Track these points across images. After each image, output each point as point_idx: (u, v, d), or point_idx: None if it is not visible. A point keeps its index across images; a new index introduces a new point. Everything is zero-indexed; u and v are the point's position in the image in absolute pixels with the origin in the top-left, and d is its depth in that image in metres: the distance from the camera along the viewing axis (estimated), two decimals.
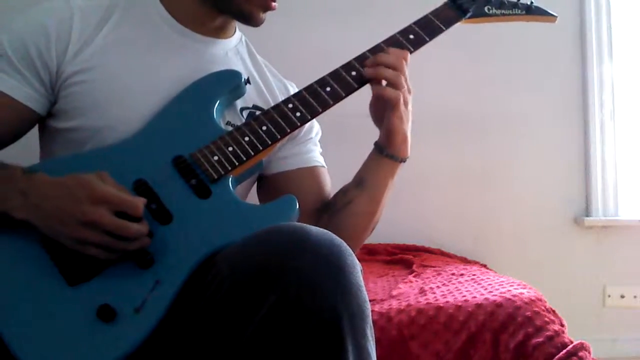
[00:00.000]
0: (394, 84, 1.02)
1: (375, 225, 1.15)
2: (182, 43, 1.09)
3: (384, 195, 1.11)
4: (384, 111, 1.05)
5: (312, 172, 1.18)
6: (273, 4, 1.07)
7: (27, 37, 1.01)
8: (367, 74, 1.04)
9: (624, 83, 2.50)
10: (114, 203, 0.87)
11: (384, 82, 1.04)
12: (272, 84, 1.18)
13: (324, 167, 1.21)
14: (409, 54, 1.05)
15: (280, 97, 1.16)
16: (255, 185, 1.21)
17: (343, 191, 1.14)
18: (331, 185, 1.20)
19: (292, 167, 1.17)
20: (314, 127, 1.21)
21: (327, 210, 1.13)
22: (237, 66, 1.14)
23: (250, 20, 1.08)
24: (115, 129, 1.01)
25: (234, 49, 1.16)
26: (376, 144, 1.11)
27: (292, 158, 1.17)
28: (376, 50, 1.06)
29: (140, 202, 0.89)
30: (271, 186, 1.18)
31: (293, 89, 1.21)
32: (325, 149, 1.24)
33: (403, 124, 1.05)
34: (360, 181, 1.12)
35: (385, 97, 1.03)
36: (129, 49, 1.05)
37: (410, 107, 1.06)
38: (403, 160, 1.10)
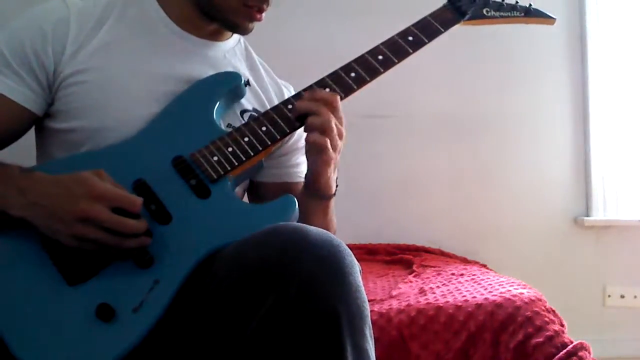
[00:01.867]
0: (321, 130, 0.98)
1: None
2: (180, 45, 1.09)
3: (320, 226, 1.05)
4: (310, 152, 1.01)
5: (294, 188, 1.17)
6: (258, 16, 1.07)
7: (24, 38, 1.01)
8: (298, 108, 1.00)
9: (624, 83, 2.50)
10: (112, 199, 0.87)
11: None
12: (268, 85, 1.19)
13: None
14: (338, 98, 1.00)
15: (275, 99, 1.16)
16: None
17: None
18: None
19: (275, 179, 1.17)
20: (302, 136, 1.20)
21: None
22: (235, 68, 1.14)
23: (238, 29, 1.09)
24: (113, 130, 1.01)
25: (231, 50, 1.16)
26: (305, 177, 1.08)
27: (277, 170, 1.17)
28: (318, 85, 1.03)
29: (138, 198, 0.89)
30: (256, 191, 1.19)
31: (288, 91, 1.21)
32: None
33: (329, 167, 1.02)
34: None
35: (310, 142, 0.99)
36: (126, 49, 1.05)
37: (339, 151, 1.02)
38: (330, 197, 1.08)
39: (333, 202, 1.10)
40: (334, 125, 0.99)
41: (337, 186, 1.09)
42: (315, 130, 0.99)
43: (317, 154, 1.00)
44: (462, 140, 2.46)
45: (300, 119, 1.01)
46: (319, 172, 1.03)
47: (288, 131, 1.02)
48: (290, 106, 1.03)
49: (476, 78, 2.46)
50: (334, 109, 1.00)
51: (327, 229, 1.06)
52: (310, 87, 1.05)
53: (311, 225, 1.00)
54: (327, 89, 1.04)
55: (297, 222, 1.02)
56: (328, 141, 0.98)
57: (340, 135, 1.01)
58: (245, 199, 1.16)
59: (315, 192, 1.06)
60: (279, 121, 1.02)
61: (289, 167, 1.19)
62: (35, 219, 0.89)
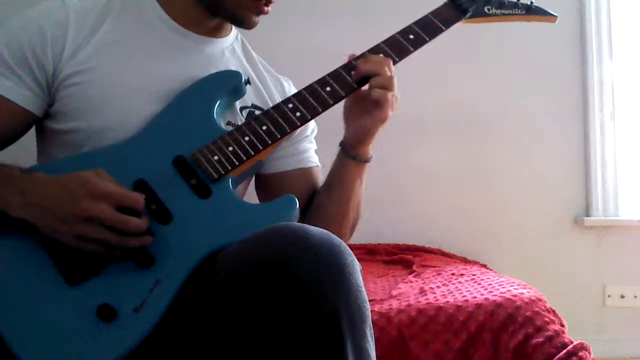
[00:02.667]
0: (386, 85, 1.03)
1: (354, 223, 1.17)
2: (179, 42, 1.09)
3: (352, 196, 1.13)
4: (366, 111, 1.06)
5: (307, 173, 1.19)
6: (266, 8, 1.07)
7: (23, 39, 1.01)
8: (362, 69, 1.04)
9: (624, 83, 2.50)
10: (114, 197, 0.87)
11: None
12: (268, 81, 1.19)
13: (318, 166, 1.22)
14: (390, 62, 1.06)
15: (276, 94, 1.17)
16: (254, 183, 1.21)
17: (317, 193, 1.16)
18: None
19: (288, 168, 1.18)
20: (310, 125, 1.21)
21: (304, 212, 1.13)
22: (234, 65, 1.14)
23: (243, 23, 1.09)
24: (114, 130, 1.01)
25: (230, 47, 1.16)
26: (342, 144, 1.12)
27: (288, 158, 1.18)
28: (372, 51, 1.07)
29: (140, 195, 0.89)
30: (267, 185, 1.19)
31: (288, 85, 1.21)
32: (325, 148, 1.24)
33: (382, 125, 1.08)
34: (328, 185, 1.14)
35: (375, 97, 1.03)
36: (125, 49, 1.05)
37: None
38: (367, 161, 1.12)
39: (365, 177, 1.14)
40: (395, 83, 1.04)
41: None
42: (379, 87, 1.03)
43: (379, 109, 1.05)
44: (462, 140, 2.46)
45: (360, 83, 1.05)
46: (371, 132, 1.08)
47: (288, 130, 1.02)
48: (290, 105, 1.03)
49: (476, 78, 2.46)
50: (391, 70, 1.05)
51: (361, 202, 1.16)
52: (310, 86, 1.05)
53: (352, 192, 1.11)
54: (329, 89, 1.04)
55: (336, 192, 1.12)
56: (391, 96, 1.03)
57: (397, 96, 1.06)
58: (246, 197, 1.16)
59: (357, 155, 1.11)
60: (280, 120, 1.02)
61: (299, 154, 1.19)
62: (36, 219, 0.88)
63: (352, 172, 1.12)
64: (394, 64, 1.07)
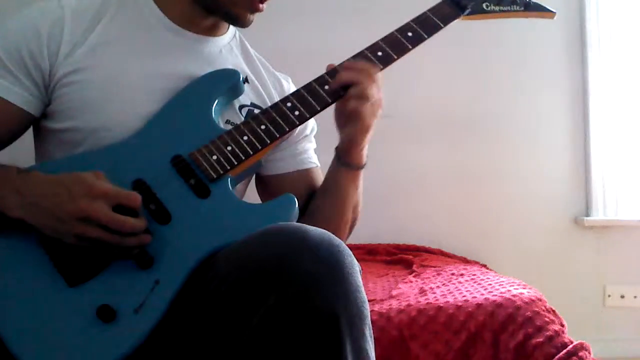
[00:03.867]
0: (362, 96, 1.01)
1: (352, 224, 1.16)
2: (176, 41, 1.09)
3: (347, 201, 1.12)
4: (349, 120, 1.05)
5: (306, 174, 1.19)
6: (260, 5, 1.06)
7: (19, 38, 1.00)
8: (341, 78, 1.02)
9: (624, 83, 2.50)
10: (111, 197, 0.87)
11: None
12: (266, 79, 1.18)
13: (317, 166, 1.21)
14: (377, 69, 1.04)
15: (274, 93, 1.16)
16: (254, 182, 1.21)
17: (314, 196, 1.16)
18: None
19: (287, 170, 1.17)
20: (309, 124, 1.21)
21: (302, 212, 1.13)
22: (232, 63, 1.13)
23: (238, 21, 1.08)
24: (111, 129, 1.01)
25: (227, 45, 1.16)
26: (336, 149, 1.11)
27: (288, 160, 1.17)
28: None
29: (137, 194, 0.89)
30: (267, 186, 1.19)
31: (287, 83, 1.21)
32: (325, 148, 1.24)
33: (367, 135, 1.06)
34: (323, 189, 1.13)
35: (351, 109, 1.02)
36: (122, 48, 1.05)
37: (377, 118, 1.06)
38: (360, 168, 1.11)
39: (362, 175, 1.13)
40: (374, 93, 1.02)
41: (367, 157, 1.12)
42: (354, 98, 1.01)
43: (356, 121, 1.03)
44: (462, 140, 2.46)
45: (337, 93, 1.03)
46: (356, 141, 1.07)
47: (287, 129, 1.02)
48: (289, 104, 1.03)
49: (476, 78, 2.46)
50: (372, 77, 1.02)
51: (358, 203, 1.15)
52: (308, 84, 1.04)
53: (347, 197, 1.10)
54: (327, 87, 1.03)
55: (330, 197, 1.11)
56: (368, 107, 1.01)
57: (380, 103, 1.04)
58: (246, 197, 1.16)
59: (349, 162, 1.09)
60: (278, 119, 1.02)
61: (298, 155, 1.19)
62: (35, 219, 0.88)
63: (345, 178, 1.11)
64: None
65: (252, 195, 1.19)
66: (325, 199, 1.13)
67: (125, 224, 0.87)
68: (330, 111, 1.07)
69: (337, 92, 1.03)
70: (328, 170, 1.14)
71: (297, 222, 1.07)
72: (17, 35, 1.01)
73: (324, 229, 0.87)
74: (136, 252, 0.89)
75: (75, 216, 0.86)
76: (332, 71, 1.05)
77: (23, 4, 1.04)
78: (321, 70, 1.06)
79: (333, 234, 0.86)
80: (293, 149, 1.18)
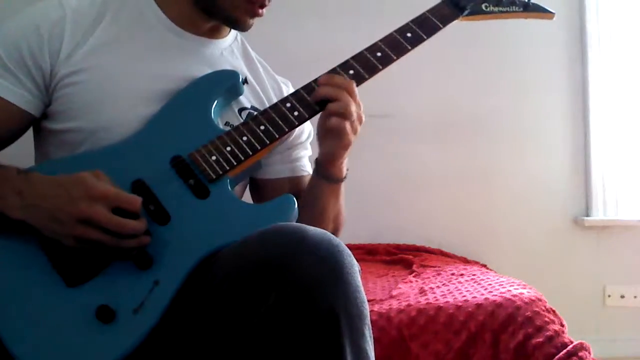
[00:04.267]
0: (342, 113, 1.00)
1: (334, 232, 1.12)
2: (177, 43, 1.09)
3: (327, 213, 1.10)
4: (328, 134, 1.03)
5: (297, 181, 1.18)
6: (260, 10, 1.06)
7: (19, 39, 1.00)
8: (320, 93, 1.02)
9: (624, 83, 2.50)
10: (111, 199, 0.87)
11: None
12: (266, 82, 1.18)
13: (309, 174, 1.19)
14: (354, 84, 1.02)
15: (274, 97, 1.16)
16: (248, 185, 1.20)
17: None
18: None
19: (280, 175, 1.17)
20: (305, 130, 1.20)
21: None
22: (232, 65, 1.13)
23: (238, 25, 1.09)
24: (111, 130, 1.01)
25: (228, 48, 1.16)
26: (316, 161, 1.10)
27: (281, 165, 1.17)
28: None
29: (137, 197, 0.89)
30: (259, 189, 1.18)
31: (287, 87, 1.21)
32: None
33: (346, 151, 1.05)
34: (303, 200, 1.09)
35: (331, 126, 1.01)
36: (123, 49, 1.05)
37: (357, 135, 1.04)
38: (340, 181, 1.10)
39: (343, 187, 1.12)
40: (353, 110, 1.01)
41: (347, 169, 1.11)
42: (335, 115, 1.00)
43: (337, 138, 1.02)
44: (462, 140, 2.46)
45: (319, 105, 1.03)
46: (335, 156, 1.06)
47: (287, 130, 1.02)
48: (288, 104, 1.03)
49: (476, 78, 2.46)
50: (352, 94, 1.01)
51: (340, 213, 1.13)
52: (308, 85, 1.04)
53: (326, 208, 1.08)
54: None
55: (309, 208, 1.08)
56: (348, 125, 1.01)
57: (360, 120, 1.04)
58: (245, 197, 1.16)
59: (328, 176, 1.08)
60: (278, 120, 1.02)
61: (292, 162, 1.18)
62: (34, 220, 0.88)
63: (325, 191, 1.09)
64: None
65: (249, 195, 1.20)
66: (305, 209, 1.07)
67: (126, 226, 0.87)
68: None
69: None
70: (309, 181, 1.13)
71: None
72: (18, 35, 1.01)
73: None
74: (135, 253, 0.89)
75: (74, 218, 0.86)
76: (331, 72, 1.04)
77: (24, 3, 1.04)
78: (320, 71, 1.05)
79: None
80: (287, 155, 1.18)
